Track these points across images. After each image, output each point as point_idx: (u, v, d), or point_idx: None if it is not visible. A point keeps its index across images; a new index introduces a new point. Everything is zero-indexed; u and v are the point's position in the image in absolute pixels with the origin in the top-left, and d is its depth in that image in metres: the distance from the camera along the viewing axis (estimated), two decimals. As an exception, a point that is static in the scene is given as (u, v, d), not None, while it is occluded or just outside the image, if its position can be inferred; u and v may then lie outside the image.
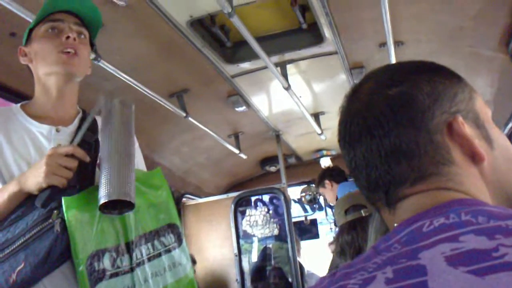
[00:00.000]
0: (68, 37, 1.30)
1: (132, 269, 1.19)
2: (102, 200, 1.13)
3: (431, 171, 0.61)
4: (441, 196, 0.60)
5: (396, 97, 0.63)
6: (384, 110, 0.63)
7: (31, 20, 1.49)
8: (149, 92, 2.66)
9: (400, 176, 0.62)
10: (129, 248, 1.21)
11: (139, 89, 2.57)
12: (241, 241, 4.36)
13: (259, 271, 4.62)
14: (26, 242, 1.11)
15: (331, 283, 0.57)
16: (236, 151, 4.10)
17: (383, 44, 2.62)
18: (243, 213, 4.53)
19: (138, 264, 1.20)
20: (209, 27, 2.52)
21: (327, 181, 3.77)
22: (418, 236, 0.53)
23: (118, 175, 1.15)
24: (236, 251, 4.18)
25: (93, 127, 1.36)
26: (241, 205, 4.45)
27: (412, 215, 0.58)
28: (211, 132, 3.55)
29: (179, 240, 1.33)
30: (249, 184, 5.20)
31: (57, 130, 1.30)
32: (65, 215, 1.14)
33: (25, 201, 1.18)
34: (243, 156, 4.23)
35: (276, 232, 4.48)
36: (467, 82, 0.68)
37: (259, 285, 4.47)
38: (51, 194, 1.13)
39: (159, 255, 1.26)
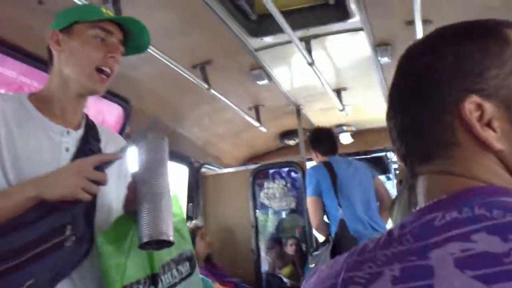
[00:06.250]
0: (113, 57, 1.25)
1: None
2: (144, 240, 1.14)
3: (434, 153, 0.59)
4: (450, 183, 0.57)
5: (417, 72, 0.61)
6: (405, 86, 0.63)
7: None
8: (172, 63, 2.66)
9: (410, 153, 0.62)
10: (154, 279, 1.22)
11: (162, 59, 2.58)
12: (258, 213, 4.41)
13: (275, 242, 4.69)
14: (38, 256, 1.04)
15: (345, 267, 0.56)
16: (256, 124, 4.11)
17: (411, 22, 2.56)
18: (261, 186, 4.57)
19: None
20: (234, -1, 2.50)
21: (313, 152, 3.43)
22: (430, 230, 0.52)
23: (156, 215, 1.15)
24: (253, 222, 4.25)
25: (97, 136, 1.33)
26: (259, 178, 4.49)
27: (424, 205, 0.57)
28: (232, 104, 3.56)
29: (192, 267, 1.35)
30: (267, 157, 5.22)
31: (68, 133, 1.24)
32: (101, 248, 1.13)
33: (34, 208, 1.08)
34: (263, 129, 4.24)
35: (293, 205, 4.53)
36: None
37: (274, 254, 4.54)
38: (70, 208, 1.10)
39: (176, 284, 1.29)
